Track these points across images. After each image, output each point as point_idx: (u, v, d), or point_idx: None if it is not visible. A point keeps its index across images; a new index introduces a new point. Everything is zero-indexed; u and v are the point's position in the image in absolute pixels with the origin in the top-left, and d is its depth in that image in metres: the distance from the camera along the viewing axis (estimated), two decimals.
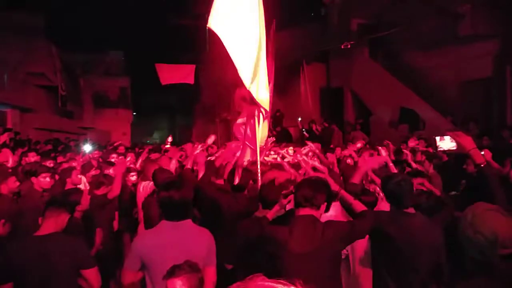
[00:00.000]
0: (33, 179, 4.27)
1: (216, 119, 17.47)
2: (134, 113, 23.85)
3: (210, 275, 2.57)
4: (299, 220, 2.47)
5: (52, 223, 2.82)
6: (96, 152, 8.60)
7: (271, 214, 2.75)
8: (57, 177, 4.80)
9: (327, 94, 14.31)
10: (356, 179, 3.02)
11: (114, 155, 6.53)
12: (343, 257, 3.14)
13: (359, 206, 2.59)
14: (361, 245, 3.16)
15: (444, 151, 3.10)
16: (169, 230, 2.57)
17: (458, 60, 10.17)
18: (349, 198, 2.66)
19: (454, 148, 2.35)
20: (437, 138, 2.50)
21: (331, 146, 9.54)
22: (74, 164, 5.51)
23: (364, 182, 3.94)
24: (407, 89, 11.21)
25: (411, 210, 2.69)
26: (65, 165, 5.34)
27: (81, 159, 6.03)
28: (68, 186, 4.55)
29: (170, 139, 10.43)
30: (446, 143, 2.35)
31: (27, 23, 14.36)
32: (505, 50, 9.60)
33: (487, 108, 10.31)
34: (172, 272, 2.06)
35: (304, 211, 2.47)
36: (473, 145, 2.28)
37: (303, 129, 12.24)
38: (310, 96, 13.10)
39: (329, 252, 2.38)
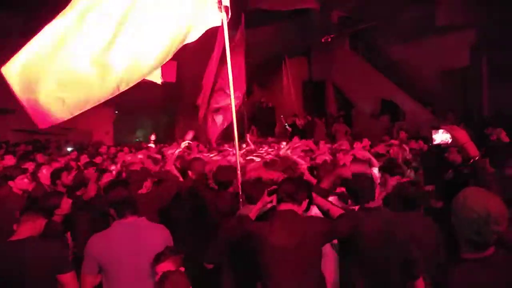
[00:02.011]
0: (11, 182, 4.19)
1: (198, 117, 17.37)
2: (116, 112, 23.50)
3: None
4: (280, 214, 2.48)
5: (28, 228, 2.78)
6: (74, 153, 8.48)
7: (254, 211, 2.76)
8: (41, 177, 4.74)
9: (309, 87, 14.38)
10: (325, 184, 3.04)
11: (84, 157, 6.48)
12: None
13: (336, 211, 2.58)
14: None
15: (438, 144, 3.19)
16: (121, 230, 2.58)
17: (436, 51, 10.34)
18: (326, 204, 2.64)
19: (448, 141, 2.39)
20: (432, 132, 2.58)
21: (314, 139, 9.63)
22: (56, 165, 5.43)
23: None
24: (388, 81, 11.37)
25: (372, 204, 2.66)
26: (46, 167, 5.25)
27: (62, 161, 5.95)
28: (59, 187, 4.49)
29: (153, 137, 10.36)
30: (439, 136, 2.42)
31: (5, 23, 13.98)
32: (481, 40, 9.80)
33: (465, 97, 10.54)
34: (158, 259, 2.32)
35: (285, 206, 2.48)
36: (467, 139, 2.32)
37: (286, 125, 12.30)
38: (292, 90, 13.14)
39: (310, 246, 2.39)
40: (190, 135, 5.31)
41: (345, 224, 2.49)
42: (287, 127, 12.13)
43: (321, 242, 2.46)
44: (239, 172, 3.24)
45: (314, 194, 2.68)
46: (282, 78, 13.19)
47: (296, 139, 8.43)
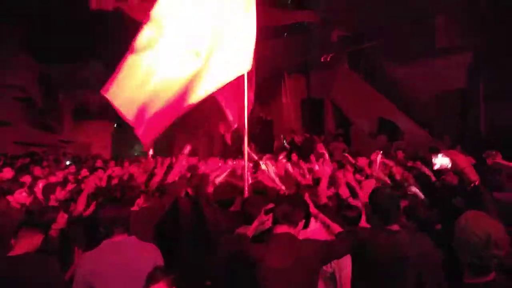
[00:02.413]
0: (9, 197, 4.18)
1: (198, 132, 17.43)
2: (115, 126, 23.53)
3: None
4: (276, 237, 2.48)
5: (25, 244, 2.79)
6: (72, 167, 8.46)
7: (251, 230, 2.75)
8: (37, 192, 4.72)
9: (307, 105, 14.49)
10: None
11: (85, 171, 6.48)
12: (327, 275, 3.14)
13: (336, 228, 2.60)
14: (347, 263, 3.12)
15: (438, 169, 3.22)
16: (111, 249, 2.56)
17: (434, 72, 10.47)
18: (326, 220, 2.67)
19: (448, 165, 2.42)
20: (433, 157, 2.61)
21: (311, 157, 9.63)
22: (53, 179, 5.40)
23: (348, 196, 3.93)
24: (386, 100, 11.47)
25: (395, 227, 2.66)
26: (43, 181, 5.23)
27: (60, 174, 5.93)
28: (52, 202, 4.46)
29: (151, 151, 10.34)
30: (439, 161, 2.45)
31: (5, 35, 14.12)
32: (478, 62, 9.95)
33: (462, 119, 10.62)
34: (150, 281, 2.30)
35: (281, 229, 2.48)
36: (467, 163, 2.34)
37: (284, 142, 12.34)
38: (291, 107, 13.24)
39: (305, 269, 2.38)
40: (187, 148, 5.32)
41: (342, 245, 2.50)
42: (285, 144, 12.17)
43: (317, 265, 2.45)
44: (246, 188, 3.21)
45: (316, 211, 2.70)
46: (281, 95, 13.30)
47: (293, 156, 8.48)
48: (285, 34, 14.34)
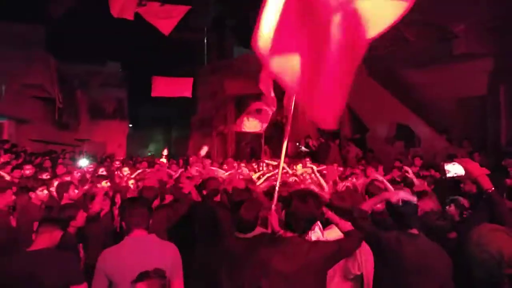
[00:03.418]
0: (31, 193, 4.26)
1: (212, 132, 17.50)
2: (130, 125, 23.83)
3: None
4: (283, 240, 2.48)
5: (45, 239, 2.86)
6: (91, 165, 8.57)
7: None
8: (52, 190, 4.77)
9: None
10: (368, 206, 2.93)
11: (103, 169, 6.53)
12: (355, 277, 3.12)
13: (345, 226, 2.60)
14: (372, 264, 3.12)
15: (452, 177, 3.16)
16: (131, 246, 2.59)
17: (453, 78, 10.30)
18: (335, 218, 2.66)
19: (462, 173, 2.37)
20: (445, 165, 2.54)
21: (327, 162, 9.59)
22: (68, 178, 5.47)
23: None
24: (403, 106, 11.33)
25: (414, 231, 2.66)
26: (60, 179, 5.31)
27: (77, 173, 6.01)
28: (65, 200, 4.52)
29: (165, 152, 10.44)
30: (452, 168, 2.39)
31: (27, 35, 14.46)
32: (499, 69, 9.75)
33: (482, 126, 10.41)
34: (141, 277, 2.31)
35: (290, 233, 2.47)
36: (480, 171, 2.30)
37: (300, 147, 12.28)
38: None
39: (313, 272, 2.36)
40: (204, 149, 5.35)
41: (350, 244, 2.50)
42: (302, 148, 12.12)
43: (325, 266, 2.43)
44: (276, 193, 3.15)
45: (325, 209, 2.68)
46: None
47: (306, 161, 8.44)
48: None
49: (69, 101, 17.69)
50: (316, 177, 4.99)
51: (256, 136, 15.72)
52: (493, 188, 2.21)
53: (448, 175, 2.47)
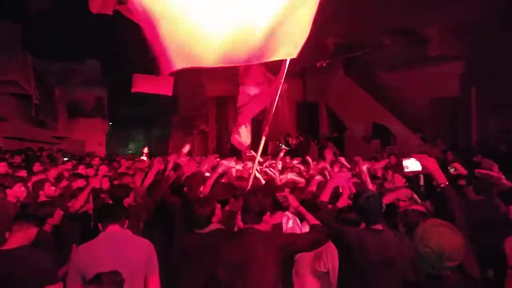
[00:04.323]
0: (8, 190, 4.21)
1: (193, 131, 17.46)
2: (110, 123, 23.52)
3: (153, 284, 2.64)
4: (239, 233, 2.56)
5: (20, 237, 2.79)
6: (69, 163, 8.46)
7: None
8: (30, 187, 4.73)
9: (303, 108, 14.61)
10: (324, 196, 3.06)
11: (82, 167, 6.47)
12: (321, 274, 3.21)
13: (311, 220, 2.67)
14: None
15: (410, 172, 3.29)
16: (105, 241, 2.60)
17: (427, 80, 10.63)
18: (304, 212, 2.75)
19: (419, 169, 2.48)
20: (404, 160, 2.63)
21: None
22: (44, 176, 5.40)
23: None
24: (380, 106, 11.62)
25: (378, 226, 2.74)
26: (37, 177, 5.25)
27: (54, 171, 5.95)
28: (41, 198, 4.49)
29: (145, 150, 10.38)
30: (410, 164, 2.49)
31: (3, 32, 14.10)
32: (470, 72, 10.12)
33: (454, 126, 10.80)
34: (92, 279, 2.21)
35: (246, 224, 2.55)
36: (435, 167, 2.39)
37: (280, 144, 12.41)
38: (287, 110, 13.34)
39: (267, 262, 2.38)
40: (187, 147, 5.37)
41: (307, 238, 2.54)
42: (282, 146, 12.24)
43: (280, 257, 2.42)
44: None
45: (296, 205, 2.74)
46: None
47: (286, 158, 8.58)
48: None
49: (47, 98, 17.33)
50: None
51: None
52: (447, 183, 2.31)
53: (406, 170, 2.58)
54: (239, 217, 2.78)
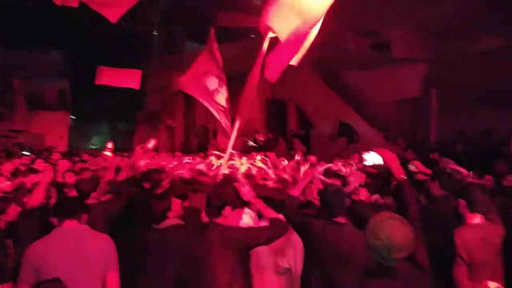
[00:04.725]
0: None
1: (160, 126, 17.18)
2: (73, 117, 22.69)
3: (112, 281, 2.59)
4: (201, 226, 2.59)
5: None
6: (26, 157, 8.11)
7: None
8: None
9: (272, 106, 14.69)
10: (295, 191, 3.07)
11: (41, 161, 6.23)
12: (283, 270, 3.25)
13: (268, 214, 2.71)
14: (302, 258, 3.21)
15: (371, 166, 3.39)
16: (60, 237, 2.54)
17: (391, 81, 11.00)
18: (260, 206, 2.78)
19: (379, 162, 2.57)
20: (364, 154, 2.67)
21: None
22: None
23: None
24: (346, 105, 11.89)
25: (342, 219, 2.84)
26: None
27: (10, 165, 5.69)
28: None
29: (110, 145, 10.12)
30: (370, 157, 2.56)
31: None
32: (432, 74, 10.55)
33: (415, 125, 11.23)
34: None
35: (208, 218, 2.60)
36: (395, 161, 2.47)
37: (248, 142, 12.45)
38: (256, 107, 13.36)
39: (223, 257, 2.42)
40: (152, 143, 5.28)
41: (263, 233, 2.59)
42: (250, 143, 12.28)
43: (234, 251, 2.45)
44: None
45: (250, 198, 2.79)
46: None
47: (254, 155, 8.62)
48: (252, 36, 14.47)
49: (4, 89, 16.48)
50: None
51: (204, 130, 15.69)
52: (405, 178, 2.40)
53: (366, 163, 2.68)
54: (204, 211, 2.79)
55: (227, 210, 2.53)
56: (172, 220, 3.10)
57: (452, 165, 6.35)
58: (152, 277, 2.95)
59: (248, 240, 2.47)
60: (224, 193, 2.58)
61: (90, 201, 3.76)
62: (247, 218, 3.22)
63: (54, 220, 2.70)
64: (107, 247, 2.64)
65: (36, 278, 2.45)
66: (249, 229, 2.65)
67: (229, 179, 4.42)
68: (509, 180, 4.67)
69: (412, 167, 4.69)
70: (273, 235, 2.56)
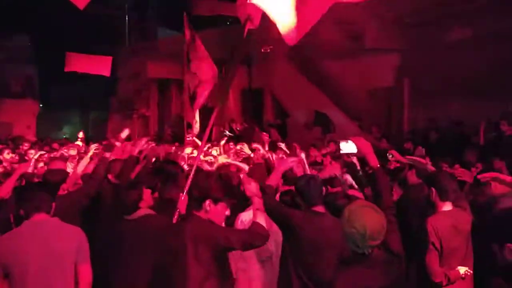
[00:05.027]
0: None
1: (133, 115, 16.84)
2: (41, 105, 21.86)
3: (84, 273, 2.56)
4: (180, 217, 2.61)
5: None
6: None
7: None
8: None
9: (248, 95, 14.64)
10: (272, 180, 3.01)
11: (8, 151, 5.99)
12: (265, 258, 3.27)
13: (255, 217, 2.62)
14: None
15: (346, 154, 3.45)
16: (29, 230, 2.49)
17: (364, 70, 11.13)
18: (256, 206, 2.67)
19: (355, 151, 2.60)
20: (341, 143, 2.71)
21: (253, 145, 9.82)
22: None
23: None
24: (321, 94, 11.98)
25: (321, 209, 2.88)
26: None
27: None
28: None
29: (81, 134, 9.83)
30: (346, 146, 2.59)
31: None
32: (404, 64, 10.74)
33: (388, 115, 11.45)
34: None
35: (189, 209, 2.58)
36: (370, 150, 2.48)
37: (224, 131, 12.39)
38: (232, 96, 13.29)
39: (194, 250, 2.34)
40: (125, 132, 5.15)
41: (239, 236, 2.52)
42: (226, 133, 12.21)
43: (207, 249, 2.37)
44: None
45: (255, 196, 2.72)
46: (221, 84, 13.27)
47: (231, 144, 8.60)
48: (228, 23, 14.31)
49: None
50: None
51: (179, 119, 15.48)
52: (378, 166, 2.43)
53: (342, 151, 2.70)
54: (180, 202, 2.73)
55: (208, 203, 2.47)
56: (143, 210, 3.06)
57: (422, 153, 6.57)
58: (126, 268, 2.91)
59: (220, 240, 2.39)
60: (205, 185, 2.51)
61: (60, 192, 3.65)
62: (248, 215, 3.19)
63: (22, 212, 2.62)
64: (78, 239, 2.60)
65: (5, 273, 2.39)
66: (226, 229, 2.60)
67: (212, 171, 4.39)
68: (477, 169, 4.84)
69: (389, 156, 4.80)
70: (247, 242, 2.46)
